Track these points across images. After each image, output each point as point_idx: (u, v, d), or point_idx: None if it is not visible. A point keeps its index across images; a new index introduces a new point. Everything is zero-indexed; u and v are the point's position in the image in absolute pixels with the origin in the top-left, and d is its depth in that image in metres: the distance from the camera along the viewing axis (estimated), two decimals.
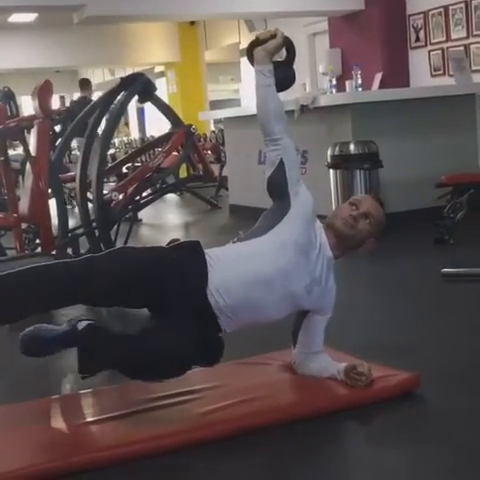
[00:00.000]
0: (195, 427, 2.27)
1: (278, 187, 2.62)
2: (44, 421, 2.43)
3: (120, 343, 2.32)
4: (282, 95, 2.65)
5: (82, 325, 2.35)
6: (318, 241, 2.57)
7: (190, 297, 2.38)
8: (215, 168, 8.56)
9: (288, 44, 2.64)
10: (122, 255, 2.49)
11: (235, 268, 2.43)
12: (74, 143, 9.72)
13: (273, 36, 2.59)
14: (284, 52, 2.67)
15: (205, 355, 2.39)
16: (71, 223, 4.91)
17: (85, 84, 10.16)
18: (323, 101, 6.12)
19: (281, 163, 2.60)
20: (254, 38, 2.64)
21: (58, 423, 2.48)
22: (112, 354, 2.31)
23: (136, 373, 2.34)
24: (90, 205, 4.75)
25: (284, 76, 2.64)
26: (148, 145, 6.61)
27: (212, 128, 13.40)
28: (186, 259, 2.44)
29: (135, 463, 2.11)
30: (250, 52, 2.63)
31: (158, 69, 15.84)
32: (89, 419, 2.43)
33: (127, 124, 18.10)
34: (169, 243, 2.54)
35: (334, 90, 7.29)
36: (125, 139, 15.61)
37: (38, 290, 2.31)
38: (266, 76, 2.59)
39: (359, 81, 7.27)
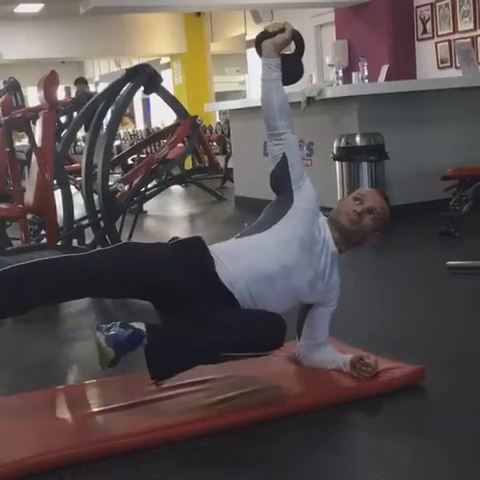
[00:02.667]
0: (200, 418, 2.28)
1: (281, 182, 2.61)
2: (49, 411, 2.44)
3: (191, 335, 2.32)
4: (288, 86, 2.64)
5: (139, 325, 2.29)
6: (322, 236, 2.56)
7: (205, 281, 2.38)
8: (220, 160, 8.55)
9: (297, 38, 2.62)
10: (130, 249, 2.49)
11: (239, 264, 2.43)
12: (79, 134, 9.72)
13: (282, 30, 2.57)
14: (293, 45, 2.65)
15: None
16: (76, 214, 4.90)
17: (82, 82, 10.14)
18: (329, 93, 6.10)
19: (284, 158, 2.59)
20: (263, 30, 2.62)
21: (63, 413, 2.49)
22: (186, 348, 2.31)
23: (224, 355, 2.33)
24: (96, 196, 4.75)
25: (292, 70, 2.63)
26: (154, 136, 6.60)
27: (218, 120, 13.39)
28: (191, 250, 2.45)
29: (141, 453, 2.12)
30: (258, 44, 2.61)
31: (164, 60, 15.82)
32: (95, 409, 2.43)
33: (128, 115, 18.01)
34: (170, 241, 2.54)
35: (340, 82, 7.26)
36: (130, 131, 15.59)
37: (46, 284, 2.31)
38: (272, 70, 2.57)
39: (365, 73, 7.25)
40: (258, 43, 2.62)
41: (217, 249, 2.49)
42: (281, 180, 2.61)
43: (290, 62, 2.62)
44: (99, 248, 2.50)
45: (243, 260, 2.44)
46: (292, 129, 2.61)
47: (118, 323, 2.28)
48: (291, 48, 2.66)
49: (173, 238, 2.54)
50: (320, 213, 2.62)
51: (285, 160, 2.59)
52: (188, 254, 2.44)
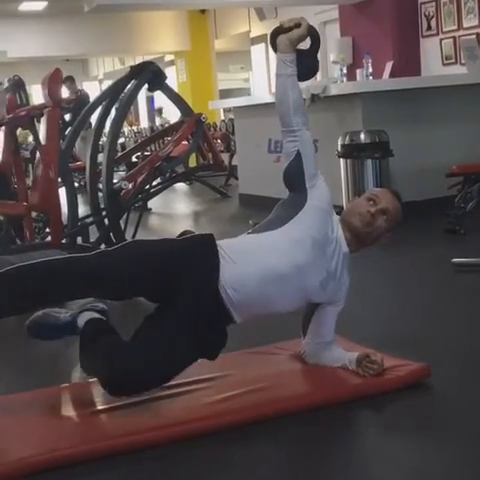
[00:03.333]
0: (205, 416, 2.27)
1: (294, 179, 2.58)
2: (53, 410, 2.44)
3: (115, 351, 2.35)
4: None
5: (83, 319, 2.49)
6: (334, 236, 2.53)
7: (201, 290, 2.37)
8: (225, 157, 8.54)
9: (313, 33, 2.60)
10: (134, 248, 2.48)
11: (251, 263, 2.40)
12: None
13: (297, 25, 2.55)
14: (308, 41, 2.63)
15: (207, 351, 2.41)
16: (81, 212, 4.91)
17: (70, 80, 9.97)
18: (334, 90, 6.09)
19: (298, 155, 2.56)
20: (278, 25, 2.60)
21: (67, 412, 2.49)
22: (108, 362, 2.32)
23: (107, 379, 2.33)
24: (100, 194, 4.75)
25: (307, 65, 2.61)
26: (158, 134, 6.60)
27: (222, 117, 13.38)
28: (197, 253, 2.42)
29: (144, 452, 2.12)
30: (273, 39, 2.60)
31: (168, 58, 15.82)
32: (99, 408, 2.43)
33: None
34: (181, 235, 2.52)
35: (345, 79, 7.25)
36: (134, 129, 15.58)
37: (51, 284, 2.31)
38: (288, 65, 2.55)
39: (370, 70, 7.24)
40: (273, 38, 2.60)
41: (228, 246, 2.46)
42: (295, 177, 2.57)
43: (306, 58, 2.60)
44: (102, 248, 2.49)
45: (255, 258, 2.41)
46: (307, 126, 2.59)
47: (79, 310, 2.56)
48: (306, 44, 2.65)
49: (184, 232, 2.52)
50: (333, 212, 2.59)
51: (299, 157, 2.56)
52: (192, 257, 2.41)
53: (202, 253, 2.42)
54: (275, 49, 2.60)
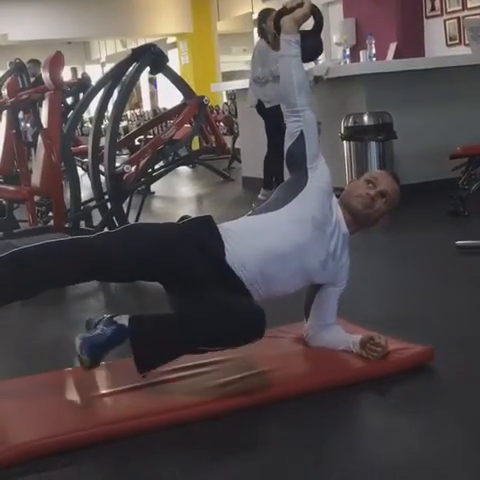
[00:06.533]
0: (208, 400, 2.27)
1: (297, 160, 2.58)
2: (58, 394, 2.45)
3: (172, 326, 2.30)
4: None
5: (123, 319, 2.31)
6: (334, 217, 2.55)
7: (212, 265, 2.37)
8: (228, 140, 8.51)
9: (316, 13, 2.60)
10: (139, 230, 2.48)
11: (251, 243, 2.41)
12: (86, 115, 9.67)
13: (300, 5, 2.55)
14: (311, 21, 2.63)
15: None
16: (83, 195, 4.90)
17: (34, 62, 8.62)
18: (337, 72, 6.05)
19: (301, 136, 2.56)
20: (281, 7, 2.60)
21: (72, 396, 2.49)
22: (169, 340, 2.29)
23: (204, 347, 2.31)
24: (102, 177, 4.74)
25: (312, 46, 2.62)
26: (160, 117, 6.57)
27: (225, 100, 13.32)
28: (200, 231, 2.43)
29: (149, 435, 2.12)
30: (277, 21, 2.59)
31: (170, 40, 15.74)
32: (103, 392, 2.44)
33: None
34: (180, 219, 2.52)
35: (348, 60, 7.21)
36: (137, 112, 15.55)
37: (55, 267, 2.29)
38: (292, 46, 2.54)
39: (373, 51, 7.18)
40: (277, 20, 2.59)
41: (228, 228, 2.47)
42: (297, 158, 2.58)
43: (310, 38, 2.61)
44: (106, 230, 2.46)
45: (255, 239, 2.42)
46: (311, 107, 2.59)
47: (104, 319, 2.31)
48: (309, 26, 2.64)
49: (183, 217, 2.52)
50: (333, 194, 2.60)
51: (302, 137, 2.56)
52: (197, 236, 2.41)
53: (204, 232, 2.42)
54: (279, 31, 2.59)
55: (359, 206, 2.57)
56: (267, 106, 6.33)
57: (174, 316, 2.38)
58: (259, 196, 6.49)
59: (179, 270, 2.38)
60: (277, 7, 2.65)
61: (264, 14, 6.54)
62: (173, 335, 2.30)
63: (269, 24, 6.26)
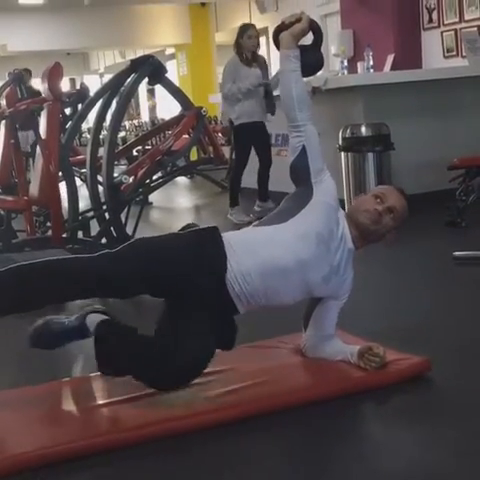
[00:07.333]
0: (206, 410, 2.27)
1: (300, 174, 2.59)
2: (56, 404, 2.45)
3: (133, 347, 2.33)
4: None
5: (92, 321, 2.39)
6: (340, 231, 2.54)
7: (208, 283, 2.37)
8: (226, 151, 8.51)
9: (315, 27, 2.60)
10: (142, 248, 2.45)
11: (255, 256, 2.41)
12: (84, 126, 9.67)
13: (298, 20, 2.56)
14: (311, 36, 2.63)
15: (221, 341, 2.39)
16: (81, 206, 4.90)
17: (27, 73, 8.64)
18: (335, 83, 6.07)
19: (303, 150, 2.57)
20: (280, 23, 2.61)
21: (70, 406, 2.49)
22: (126, 359, 2.32)
23: (152, 380, 2.33)
24: (101, 188, 4.74)
25: (312, 60, 2.63)
26: (158, 128, 6.58)
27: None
28: (204, 246, 2.43)
29: (145, 446, 2.12)
30: (276, 37, 2.60)
31: (169, 51, 15.79)
32: (100, 402, 2.43)
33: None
34: (184, 228, 2.52)
35: (346, 72, 7.23)
36: (135, 122, 15.58)
37: (52, 284, 2.30)
38: (292, 61, 2.56)
39: (371, 63, 7.22)
40: (276, 36, 2.60)
41: (233, 239, 2.47)
42: (300, 172, 2.58)
43: (309, 53, 2.61)
44: (106, 250, 2.44)
45: (258, 251, 2.42)
46: (312, 121, 2.59)
47: (84, 313, 2.47)
48: (309, 40, 2.64)
49: (188, 225, 2.52)
50: (339, 208, 2.59)
51: (304, 152, 2.57)
52: (200, 251, 2.41)
53: (209, 246, 2.42)
54: (278, 47, 2.60)
55: (367, 221, 2.56)
56: (235, 123, 6.32)
57: (137, 343, 2.37)
58: (255, 207, 6.50)
59: (178, 285, 2.38)
60: (274, 19, 2.67)
61: (242, 30, 6.50)
62: (124, 361, 2.34)
63: (245, 40, 6.28)
